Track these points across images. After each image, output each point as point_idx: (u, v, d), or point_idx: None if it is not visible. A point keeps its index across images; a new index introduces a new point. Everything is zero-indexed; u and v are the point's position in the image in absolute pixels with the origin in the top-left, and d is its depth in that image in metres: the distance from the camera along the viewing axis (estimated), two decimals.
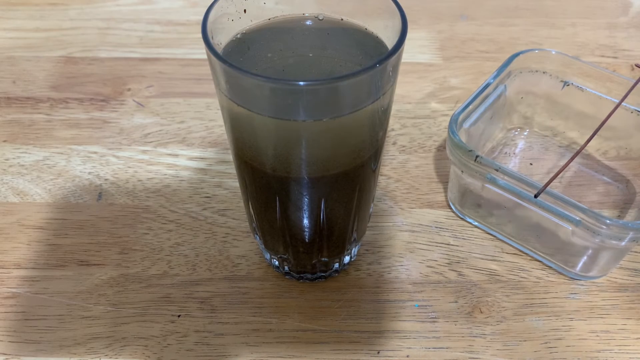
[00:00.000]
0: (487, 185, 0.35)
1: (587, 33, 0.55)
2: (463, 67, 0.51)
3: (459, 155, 0.35)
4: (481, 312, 0.35)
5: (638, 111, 0.39)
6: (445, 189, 0.41)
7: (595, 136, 0.43)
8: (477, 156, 0.34)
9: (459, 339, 0.34)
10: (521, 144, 0.44)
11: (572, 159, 0.33)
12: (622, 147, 0.43)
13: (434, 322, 0.34)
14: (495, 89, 0.40)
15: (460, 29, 0.56)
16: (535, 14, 0.58)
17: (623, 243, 0.32)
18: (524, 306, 0.35)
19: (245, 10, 0.30)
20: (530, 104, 0.44)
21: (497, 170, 0.34)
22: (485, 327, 0.34)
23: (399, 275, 0.37)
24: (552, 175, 0.33)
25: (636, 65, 0.38)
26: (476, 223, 0.39)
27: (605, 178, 0.42)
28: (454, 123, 0.36)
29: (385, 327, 0.34)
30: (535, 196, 0.32)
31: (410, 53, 0.53)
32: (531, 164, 0.43)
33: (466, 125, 0.38)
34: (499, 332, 0.34)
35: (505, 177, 0.34)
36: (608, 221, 0.31)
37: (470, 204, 0.39)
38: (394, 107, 0.48)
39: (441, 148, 0.44)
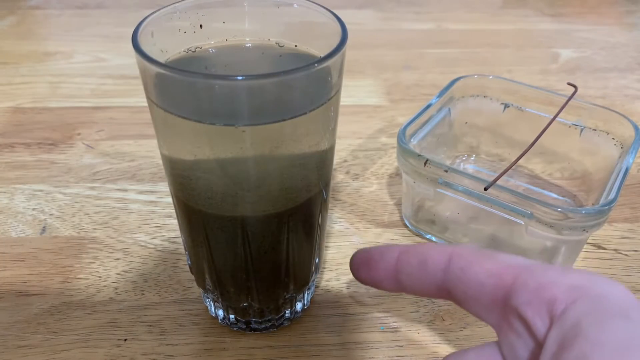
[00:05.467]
0: (439, 190, 0.35)
1: (523, 77, 0.59)
2: (409, 108, 0.53)
3: (409, 163, 0.36)
4: (443, 320, 0.34)
5: (575, 125, 0.41)
6: (400, 211, 0.42)
7: (540, 159, 0.45)
8: (426, 160, 0.35)
9: (422, 347, 0.32)
10: (469, 167, 0.45)
11: (522, 154, 0.34)
12: (565, 168, 0.44)
13: (396, 331, 0.33)
14: (439, 110, 0.41)
15: (405, 77, 0.59)
16: (473, 63, 0.62)
17: (577, 232, 0.32)
18: None
19: (201, 26, 0.30)
20: (475, 136, 0.46)
21: (446, 171, 0.34)
22: (449, 333, 0.33)
23: (358, 289, 0.36)
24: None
25: (569, 84, 0.41)
26: (432, 237, 0.39)
27: (553, 194, 0.43)
28: (402, 134, 0.37)
29: (346, 340, 0.33)
30: (485, 189, 0.32)
31: (359, 97, 0.55)
32: None
33: (414, 141, 0.39)
34: (463, 338, 0.33)
35: (456, 177, 0.34)
36: (559, 209, 0.31)
37: (425, 220, 0.39)
38: (345, 142, 0.48)
39: (393, 175, 0.45)
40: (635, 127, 0.38)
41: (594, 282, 0.16)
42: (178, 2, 0.28)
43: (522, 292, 0.17)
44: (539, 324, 0.16)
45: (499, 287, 0.18)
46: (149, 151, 0.47)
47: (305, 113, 0.25)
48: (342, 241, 0.39)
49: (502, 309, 0.18)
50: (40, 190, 0.42)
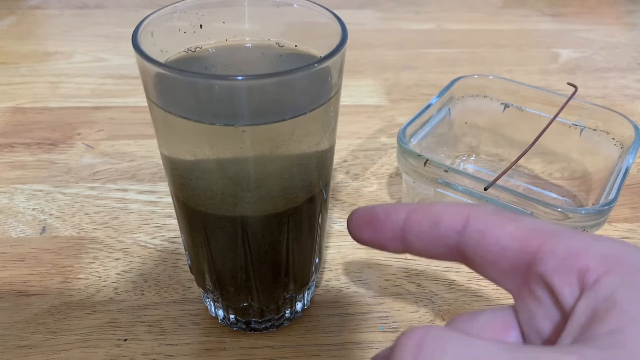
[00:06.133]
0: (439, 190, 0.35)
1: (523, 77, 0.59)
2: (409, 108, 0.53)
3: (409, 163, 0.36)
4: (443, 320, 0.34)
5: (575, 125, 0.41)
6: None
7: (540, 159, 0.45)
8: (426, 160, 0.35)
9: None
10: (469, 167, 0.45)
11: (522, 154, 0.34)
12: (565, 168, 0.44)
13: (396, 331, 0.33)
14: (439, 110, 0.41)
15: (405, 77, 0.59)
16: (473, 63, 0.61)
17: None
18: None
19: (201, 26, 0.30)
20: (475, 136, 0.46)
21: (446, 171, 0.34)
22: None
23: (358, 290, 0.36)
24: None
25: (569, 84, 0.41)
26: None
27: (553, 194, 0.43)
28: (402, 134, 0.37)
29: (346, 340, 0.33)
30: (485, 189, 0.32)
31: (359, 97, 0.55)
32: None
33: (414, 141, 0.39)
34: None
35: (456, 177, 0.34)
36: (559, 209, 0.31)
37: None
38: (345, 142, 0.48)
39: (393, 175, 0.45)
40: (635, 127, 0.38)
41: (629, 253, 0.15)
42: (178, 2, 0.28)
43: (549, 259, 0.16)
44: (567, 294, 0.15)
45: (523, 252, 0.17)
46: (149, 151, 0.47)
47: (305, 113, 0.25)
48: (342, 241, 0.39)
49: (524, 275, 0.17)
50: (40, 190, 0.42)
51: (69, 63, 0.59)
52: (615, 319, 0.14)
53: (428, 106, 0.40)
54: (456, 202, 0.19)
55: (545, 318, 0.16)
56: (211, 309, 0.33)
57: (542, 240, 0.16)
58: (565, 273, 0.16)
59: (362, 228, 0.20)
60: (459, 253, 0.18)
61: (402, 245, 0.19)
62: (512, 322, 0.17)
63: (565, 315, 0.16)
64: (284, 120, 0.24)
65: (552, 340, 0.16)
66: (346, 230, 0.40)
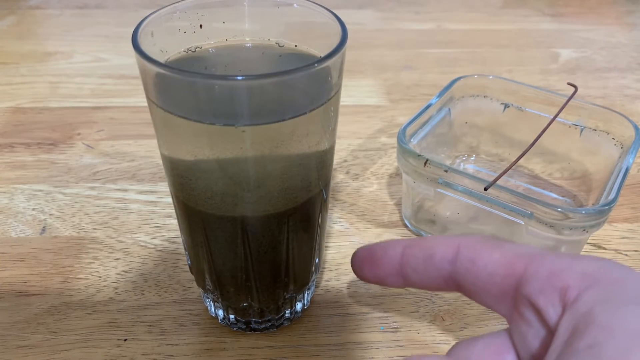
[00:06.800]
0: (439, 190, 0.35)
1: (523, 77, 0.59)
2: (409, 108, 0.53)
3: (409, 163, 0.36)
4: (443, 320, 0.34)
5: (575, 125, 0.41)
6: (400, 211, 0.42)
7: (540, 159, 0.45)
8: (426, 160, 0.35)
9: (423, 346, 0.32)
10: (469, 167, 0.45)
11: (522, 154, 0.34)
12: (565, 168, 0.44)
13: (396, 331, 0.33)
14: (439, 110, 0.41)
15: (405, 77, 0.59)
16: (473, 63, 0.62)
17: (577, 232, 0.32)
18: (486, 312, 0.34)
19: (201, 26, 0.30)
20: (475, 136, 0.46)
21: (446, 171, 0.34)
22: (449, 334, 0.33)
23: (358, 289, 0.36)
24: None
25: (569, 84, 0.41)
26: None
27: (553, 194, 0.43)
28: (402, 134, 0.37)
29: (346, 340, 0.33)
30: (485, 189, 0.32)
31: (359, 97, 0.55)
32: None
33: (414, 141, 0.39)
34: (463, 338, 0.33)
35: (456, 177, 0.34)
36: (559, 209, 0.31)
37: (425, 220, 0.39)
38: (345, 142, 0.48)
39: (393, 175, 0.45)
40: (635, 127, 0.38)
41: (608, 269, 0.16)
42: (178, 2, 0.28)
43: (533, 281, 0.17)
44: (551, 312, 0.16)
45: (510, 277, 0.17)
46: (149, 151, 0.47)
47: (305, 113, 0.25)
48: (342, 241, 0.39)
49: (513, 298, 0.17)
50: (40, 190, 0.42)
51: (69, 63, 0.59)
52: (593, 334, 0.14)
53: (428, 106, 0.40)
54: (449, 235, 0.20)
55: (535, 338, 0.17)
56: (211, 309, 0.33)
57: (526, 264, 0.17)
58: (548, 292, 0.16)
59: (363, 266, 0.21)
60: (453, 282, 0.19)
61: (402, 279, 0.20)
62: (507, 346, 0.18)
63: (551, 334, 0.16)
64: (284, 120, 0.24)
65: (542, 359, 0.16)
66: (346, 230, 0.40)
